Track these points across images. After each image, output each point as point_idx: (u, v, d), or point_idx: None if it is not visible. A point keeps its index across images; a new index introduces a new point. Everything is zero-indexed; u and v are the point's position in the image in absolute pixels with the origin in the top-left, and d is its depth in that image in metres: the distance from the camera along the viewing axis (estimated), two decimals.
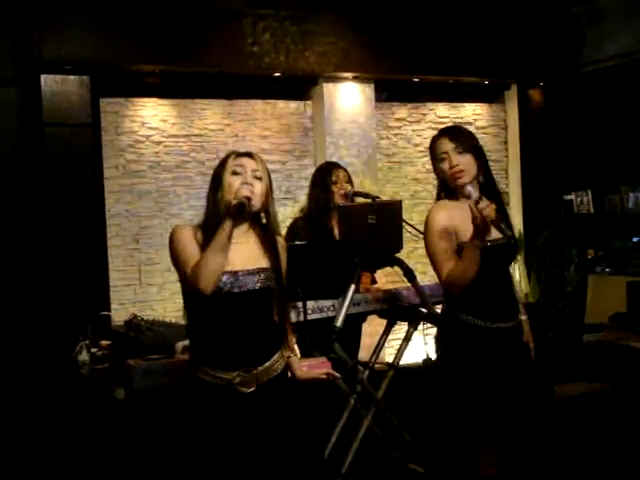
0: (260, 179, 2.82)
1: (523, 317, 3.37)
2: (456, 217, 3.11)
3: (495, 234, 3.14)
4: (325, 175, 4.53)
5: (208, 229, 2.73)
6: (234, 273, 2.74)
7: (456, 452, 3.25)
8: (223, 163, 2.82)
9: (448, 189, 3.23)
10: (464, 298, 3.18)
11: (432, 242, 3.18)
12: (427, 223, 3.20)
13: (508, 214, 3.31)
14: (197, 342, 2.83)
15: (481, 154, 3.24)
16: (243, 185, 2.75)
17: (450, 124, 6.48)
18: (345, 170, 4.60)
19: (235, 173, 2.77)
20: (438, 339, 3.31)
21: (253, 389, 2.76)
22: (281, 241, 2.95)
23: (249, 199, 2.72)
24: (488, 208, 2.96)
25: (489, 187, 3.25)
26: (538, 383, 3.42)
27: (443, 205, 3.23)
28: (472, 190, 3.08)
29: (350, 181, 4.57)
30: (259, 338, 2.79)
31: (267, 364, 2.79)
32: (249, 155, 2.85)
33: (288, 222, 4.62)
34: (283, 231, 4.64)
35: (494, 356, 3.17)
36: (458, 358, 3.24)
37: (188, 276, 2.69)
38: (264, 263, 2.81)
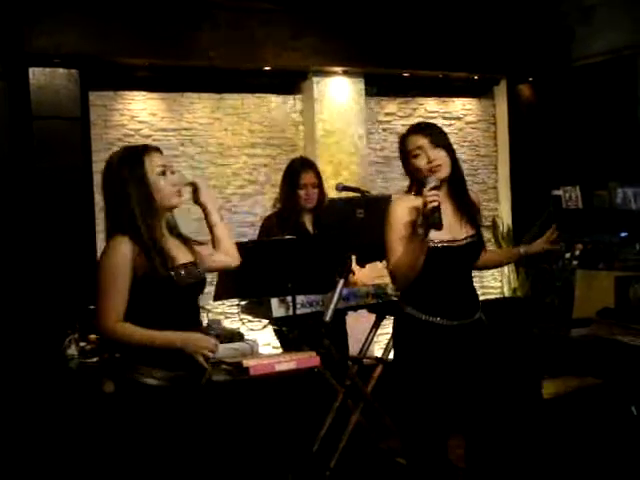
0: (173, 172, 2.79)
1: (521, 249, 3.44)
2: (415, 210, 3.10)
3: (455, 234, 3.16)
4: (293, 176, 4.47)
5: (142, 241, 2.65)
6: (189, 265, 2.75)
7: (422, 446, 3.26)
8: (139, 159, 2.71)
9: (419, 187, 3.21)
10: (416, 294, 3.21)
11: (386, 232, 3.21)
12: (386, 215, 3.22)
13: (476, 213, 3.26)
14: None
15: (453, 150, 3.24)
16: (173, 186, 2.74)
17: (439, 119, 6.50)
18: (315, 170, 4.52)
19: (162, 174, 2.72)
20: (394, 332, 3.33)
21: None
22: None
23: None
24: (432, 196, 2.97)
25: (458, 184, 3.25)
26: (516, 376, 3.43)
27: (405, 199, 3.24)
28: (433, 179, 3.08)
29: (320, 181, 4.50)
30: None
31: None
32: (157, 149, 2.79)
33: None
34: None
35: (442, 352, 3.18)
36: (408, 355, 3.26)
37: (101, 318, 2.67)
38: (191, 257, 2.82)
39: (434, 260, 3.08)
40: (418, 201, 3.11)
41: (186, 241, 2.85)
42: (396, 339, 3.30)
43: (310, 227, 4.47)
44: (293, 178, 4.45)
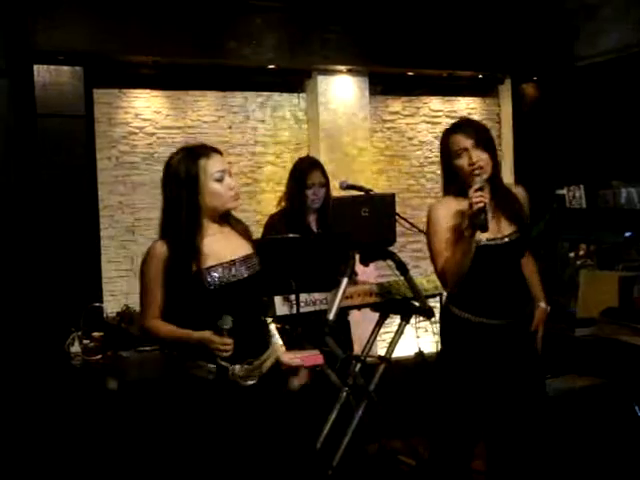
0: (231, 174, 2.83)
1: (542, 305, 3.37)
2: (457, 212, 3.10)
3: (494, 233, 3.14)
4: (300, 176, 4.46)
5: (176, 244, 2.71)
6: (229, 263, 2.74)
7: (452, 447, 3.26)
8: (197, 167, 2.74)
9: (457, 185, 3.20)
10: (461, 294, 3.20)
11: (430, 237, 3.20)
12: (428, 218, 3.23)
13: (519, 210, 3.26)
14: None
15: (495, 149, 3.24)
16: (231, 190, 2.77)
17: (443, 118, 6.50)
18: (322, 170, 4.51)
19: (220, 180, 2.75)
20: (441, 334, 3.34)
21: (254, 382, 2.76)
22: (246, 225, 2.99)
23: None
24: (478, 197, 2.97)
25: (497, 183, 3.24)
26: (539, 380, 3.42)
27: (446, 201, 3.23)
28: (478, 180, 3.08)
29: (327, 181, 4.50)
30: (255, 330, 2.80)
31: (264, 356, 2.80)
32: (216, 151, 2.82)
33: None
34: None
35: (489, 352, 3.17)
36: (453, 354, 3.26)
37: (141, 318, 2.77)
38: (249, 250, 2.85)
39: (476, 260, 3.07)
40: (458, 202, 3.11)
41: (248, 234, 2.90)
42: (444, 340, 3.30)
43: (315, 227, 4.47)
44: (300, 177, 4.44)
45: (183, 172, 2.75)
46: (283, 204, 4.53)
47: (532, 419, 3.25)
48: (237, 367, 2.72)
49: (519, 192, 3.34)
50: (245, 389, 2.75)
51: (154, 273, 2.71)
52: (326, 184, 4.48)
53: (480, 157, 3.13)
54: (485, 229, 2.99)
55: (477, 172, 3.11)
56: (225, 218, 2.86)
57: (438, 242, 3.16)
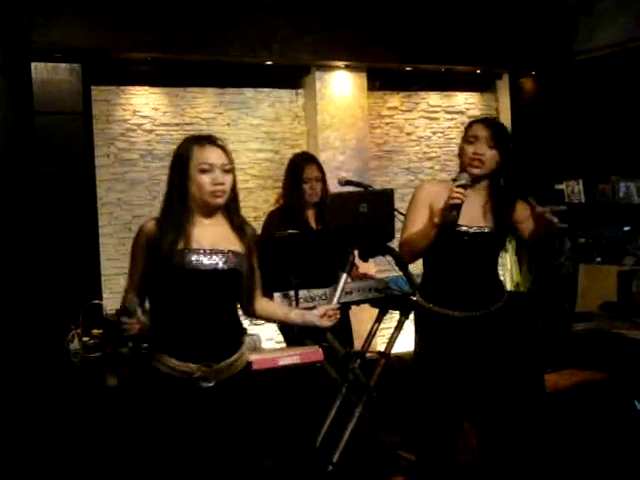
0: (229, 172, 2.78)
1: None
2: (441, 196, 3.12)
3: (471, 222, 3.17)
4: (296, 171, 4.48)
5: (163, 221, 2.74)
6: (202, 251, 2.73)
7: (433, 440, 3.28)
8: (186, 154, 2.75)
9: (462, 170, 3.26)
10: (427, 285, 3.24)
11: (409, 206, 3.30)
12: (415, 191, 3.34)
13: (504, 213, 3.26)
14: (158, 327, 2.73)
15: (508, 158, 3.25)
16: (213, 186, 2.73)
17: (442, 113, 6.50)
18: (318, 165, 4.53)
19: (204, 171, 2.73)
20: (414, 325, 3.37)
21: (212, 384, 2.71)
22: (249, 227, 2.93)
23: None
24: (457, 193, 3.00)
25: (497, 187, 3.27)
26: (520, 369, 3.44)
27: (433, 182, 3.31)
28: (465, 177, 3.11)
29: (323, 176, 4.52)
30: (222, 329, 2.77)
31: (228, 361, 2.76)
32: (215, 144, 2.78)
33: None
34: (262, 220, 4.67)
35: (453, 345, 3.19)
36: (421, 346, 3.29)
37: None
38: (235, 246, 2.81)
39: (442, 241, 3.10)
40: (446, 186, 3.14)
41: (243, 233, 2.86)
42: (415, 331, 3.34)
43: (313, 222, 4.48)
44: (296, 173, 4.45)
45: (178, 157, 2.78)
46: (281, 201, 4.54)
47: (512, 411, 3.26)
48: (193, 366, 2.70)
49: (521, 207, 3.31)
50: (202, 390, 2.71)
51: (139, 248, 2.76)
52: (323, 179, 4.49)
53: (486, 152, 3.16)
54: (453, 225, 3.04)
55: (474, 164, 3.14)
56: (226, 211, 2.85)
57: (412, 214, 3.25)
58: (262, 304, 2.98)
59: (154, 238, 2.72)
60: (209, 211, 2.80)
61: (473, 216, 3.19)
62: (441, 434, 3.26)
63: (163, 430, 2.69)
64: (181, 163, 2.76)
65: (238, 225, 2.87)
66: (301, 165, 4.48)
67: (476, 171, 3.16)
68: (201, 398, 2.70)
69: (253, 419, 2.83)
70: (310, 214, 4.49)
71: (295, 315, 3.03)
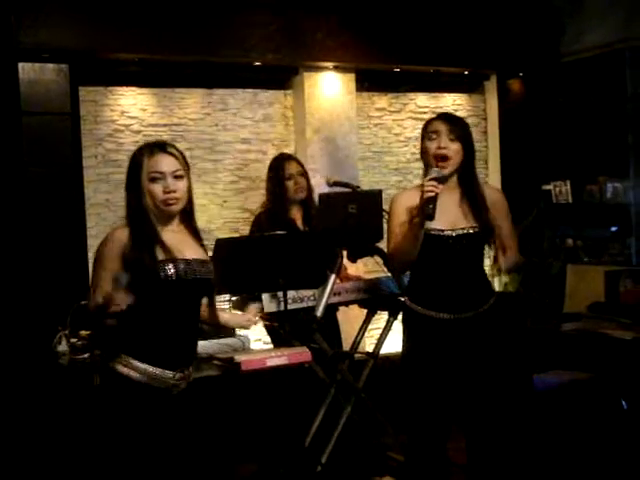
0: (182, 177, 2.76)
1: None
2: (416, 198, 3.13)
3: (453, 224, 3.18)
4: (277, 170, 4.53)
5: (135, 233, 2.70)
6: (185, 261, 2.72)
7: (422, 441, 3.28)
8: (138, 163, 2.74)
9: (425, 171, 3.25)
10: (413, 286, 3.25)
11: (389, 220, 3.32)
12: (390, 202, 3.34)
13: (483, 209, 3.27)
14: (133, 333, 2.73)
15: (471, 149, 3.26)
16: (165, 194, 2.70)
17: (430, 114, 6.51)
18: (297, 161, 4.60)
19: (153, 179, 2.71)
20: (402, 327, 3.38)
21: (182, 389, 2.74)
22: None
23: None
24: (430, 187, 3.01)
25: (467, 178, 3.27)
26: (509, 370, 3.44)
27: (404, 190, 3.33)
28: (436, 170, 3.12)
29: (304, 172, 4.57)
30: (194, 336, 2.80)
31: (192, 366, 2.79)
32: (165, 151, 2.77)
33: None
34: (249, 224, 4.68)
35: (439, 347, 3.20)
36: (408, 348, 3.29)
37: (89, 302, 2.70)
38: (202, 254, 2.82)
39: (427, 248, 3.11)
40: (418, 189, 3.15)
41: (200, 239, 2.86)
42: (403, 332, 3.35)
43: (300, 223, 4.48)
44: (278, 171, 4.52)
45: (131, 166, 2.78)
46: (267, 204, 4.57)
47: (501, 412, 3.26)
48: (169, 373, 2.70)
49: (492, 194, 3.37)
50: (174, 396, 2.72)
51: (112, 257, 2.69)
52: (304, 173, 4.54)
53: (450, 146, 3.17)
54: (431, 218, 3.05)
55: (440, 161, 3.15)
56: (185, 218, 2.84)
57: (393, 225, 3.26)
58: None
59: (129, 249, 2.68)
60: (166, 218, 2.78)
61: (453, 218, 3.20)
62: (430, 435, 3.26)
63: (139, 434, 2.68)
64: (134, 173, 2.74)
65: (196, 231, 2.87)
66: (281, 163, 4.56)
67: (446, 168, 3.17)
68: (173, 404, 2.72)
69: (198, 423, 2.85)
70: (297, 214, 4.50)
71: (228, 318, 3.12)
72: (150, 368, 2.67)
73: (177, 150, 2.81)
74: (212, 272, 2.81)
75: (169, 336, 2.70)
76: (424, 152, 3.25)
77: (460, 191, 3.26)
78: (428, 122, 3.29)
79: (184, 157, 2.82)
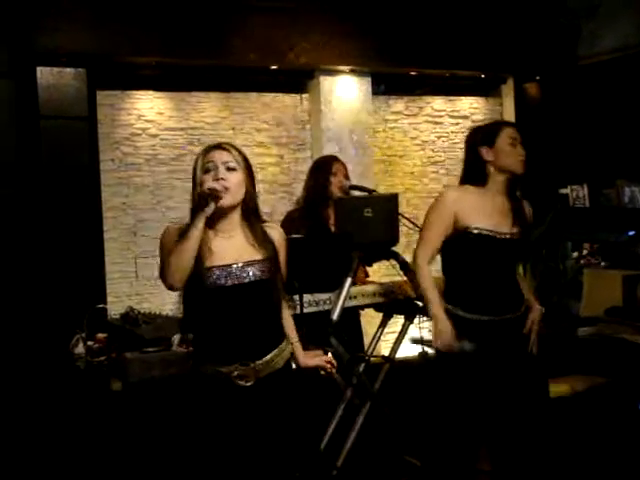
0: (234, 170, 2.73)
1: (536, 306, 3.38)
2: (466, 202, 3.16)
3: (499, 226, 3.19)
4: (325, 166, 4.55)
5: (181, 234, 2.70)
6: (226, 267, 2.72)
7: (458, 447, 3.27)
8: (197, 160, 2.77)
9: (478, 174, 3.27)
10: (453, 290, 3.24)
11: (427, 216, 3.33)
12: (436, 198, 3.34)
13: (525, 217, 3.37)
14: (196, 337, 2.84)
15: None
16: (214, 182, 2.69)
17: (446, 117, 6.50)
18: (343, 164, 4.62)
19: (207, 170, 2.72)
20: None
21: (251, 383, 2.76)
22: (275, 231, 2.91)
23: (211, 193, 2.66)
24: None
25: (513, 189, 3.39)
26: (533, 377, 3.43)
27: (460, 188, 3.32)
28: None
29: (347, 175, 4.59)
30: (256, 332, 2.78)
31: (266, 358, 2.78)
32: (219, 147, 2.78)
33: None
34: (278, 224, 4.66)
35: (483, 349, 3.19)
36: (448, 354, 3.27)
37: (160, 275, 2.70)
38: (257, 255, 2.78)
39: (472, 250, 3.12)
40: (473, 191, 3.26)
41: (264, 239, 2.82)
42: None
43: (333, 222, 4.45)
44: (325, 167, 4.55)
45: (193, 168, 2.79)
46: (301, 202, 4.58)
47: (531, 418, 3.26)
48: (231, 366, 2.73)
49: (525, 205, 3.42)
50: (240, 389, 2.74)
51: (171, 241, 2.69)
52: (347, 176, 4.59)
53: (523, 152, 3.37)
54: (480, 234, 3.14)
55: (520, 164, 3.33)
56: (246, 216, 2.81)
57: (428, 227, 3.31)
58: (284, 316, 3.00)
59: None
60: (233, 220, 2.77)
61: (497, 221, 3.23)
62: (466, 441, 3.25)
63: (206, 429, 2.75)
64: (194, 173, 2.77)
65: (260, 231, 2.82)
66: (329, 161, 4.60)
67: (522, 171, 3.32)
68: (241, 397, 2.74)
69: (289, 417, 2.87)
70: (332, 214, 4.47)
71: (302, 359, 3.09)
72: (211, 365, 2.74)
73: (234, 147, 2.80)
74: (264, 271, 2.77)
75: (220, 336, 2.74)
76: (506, 155, 3.35)
77: (504, 197, 3.28)
78: (504, 127, 3.47)
79: (241, 153, 2.79)
